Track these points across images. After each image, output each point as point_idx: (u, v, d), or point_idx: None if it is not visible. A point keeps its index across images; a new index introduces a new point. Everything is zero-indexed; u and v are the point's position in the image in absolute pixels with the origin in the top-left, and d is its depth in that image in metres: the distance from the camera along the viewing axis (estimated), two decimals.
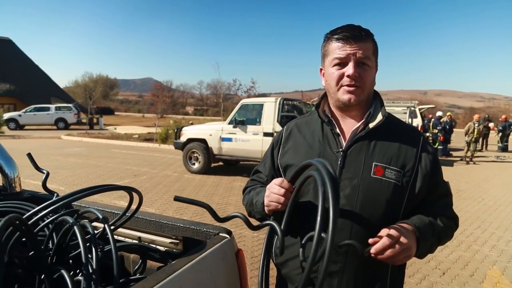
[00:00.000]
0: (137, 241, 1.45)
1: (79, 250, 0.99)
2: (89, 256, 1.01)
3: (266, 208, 1.25)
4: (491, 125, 19.18)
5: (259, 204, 1.30)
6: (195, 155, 9.87)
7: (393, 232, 1.06)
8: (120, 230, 1.45)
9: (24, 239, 1.04)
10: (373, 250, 1.05)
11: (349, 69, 1.19)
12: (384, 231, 1.08)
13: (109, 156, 13.07)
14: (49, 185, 1.45)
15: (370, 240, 1.07)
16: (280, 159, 1.40)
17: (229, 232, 1.33)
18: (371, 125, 1.26)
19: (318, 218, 0.83)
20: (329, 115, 1.33)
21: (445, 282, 3.85)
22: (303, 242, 1.13)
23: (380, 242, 1.04)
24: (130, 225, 1.45)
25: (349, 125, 1.31)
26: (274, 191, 1.19)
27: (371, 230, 1.14)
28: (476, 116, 14.59)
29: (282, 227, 1.15)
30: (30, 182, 6.98)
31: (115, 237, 1.49)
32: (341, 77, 1.22)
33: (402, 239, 1.06)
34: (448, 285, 3.78)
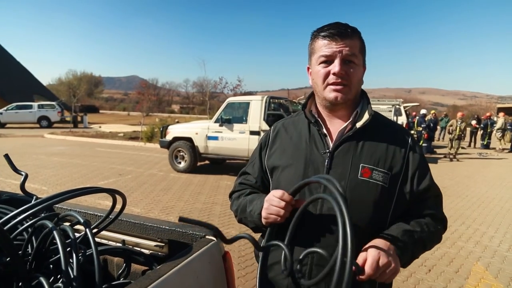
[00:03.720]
0: (121, 244, 1.41)
1: (59, 255, 0.94)
2: (70, 261, 0.97)
3: (264, 220, 1.22)
4: (473, 122, 19.56)
5: (254, 214, 1.27)
6: (181, 153, 9.79)
7: (371, 257, 1.04)
8: (104, 233, 1.41)
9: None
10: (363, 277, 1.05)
11: (335, 66, 1.18)
12: (363, 256, 1.06)
13: (94, 155, 12.86)
14: (32, 184, 1.40)
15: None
16: (267, 160, 1.38)
17: (215, 235, 1.30)
18: (358, 125, 1.24)
19: (340, 246, 0.84)
20: (316, 115, 1.31)
21: (431, 279, 3.89)
22: (301, 257, 1.12)
23: (365, 274, 1.03)
24: (113, 228, 1.41)
25: (336, 125, 1.29)
26: (274, 204, 1.16)
27: (359, 234, 1.11)
28: (459, 114, 14.81)
29: (286, 243, 1.14)
30: (11, 182, 6.82)
31: (98, 240, 1.45)
32: (327, 75, 1.20)
33: (383, 261, 1.04)
34: (434, 282, 3.82)
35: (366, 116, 1.24)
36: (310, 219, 1.20)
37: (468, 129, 17.43)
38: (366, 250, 1.07)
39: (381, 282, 1.19)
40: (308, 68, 1.34)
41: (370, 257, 1.04)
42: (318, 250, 1.06)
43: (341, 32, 1.18)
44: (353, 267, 1.04)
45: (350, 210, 0.89)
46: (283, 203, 1.14)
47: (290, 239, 1.16)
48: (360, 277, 1.04)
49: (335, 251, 0.86)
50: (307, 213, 1.20)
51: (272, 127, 1.46)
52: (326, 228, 1.18)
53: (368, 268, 1.02)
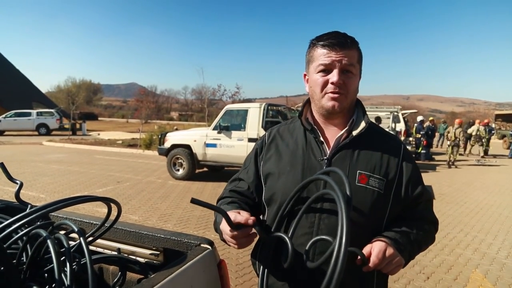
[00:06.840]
0: (116, 253, 1.41)
1: (52, 265, 0.94)
2: (65, 269, 0.97)
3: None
4: (469, 130, 19.56)
5: (218, 227, 1.25)
6: (180, 161, 9.77)
7: (377, 247, 1.10)
8: (99, 241, 1.40)
9: None
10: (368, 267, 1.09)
11: (334, 76, 1.20)
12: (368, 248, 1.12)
13: (92, 163, 12.84)
14: (30, 192, 1.41)
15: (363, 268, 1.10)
16: (263, 166, 1.37)
17: (210, 243, 1.30)
18: (354, 133, 1.26)
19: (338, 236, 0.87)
20: (312, 123, 1.32)
21: (430, 287, 3.87)
22: (307, 248, 1.12)
23: (371, 263, 1.08)
24: (109, 236, 1.41)
25: (332, 133, 1.31)
26: (228, 239, 1.16)
27: (356, 239, 1.12)
28: (457, 121, 14.82)
29: (289, 235, 1.16)
30: (9, 189, 6.80)
31: (94, 248, 1.45)
32: (325, 83, 1.22)
33: (389, 252, 1.10)
34: None
35: (362, 124, 1.27)
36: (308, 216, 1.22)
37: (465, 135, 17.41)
38: (371, 244, 1.13)
39: (379, 280, 1.25)
40: (305, 75, 1.36)
41: (376, 247, 1.10)
42: (324, 237, 1.08)
43: (340, 42, 1.20)
44: (359, 257, 1.08)
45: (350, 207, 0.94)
46: (234, 240, 1.13)
47: (293, 233, 1.18)
48: (366, 267, 1.08)
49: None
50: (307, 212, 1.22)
51: (267, 133, 1.46)
52: (324, 223, 1.20)
53: (374, 257, 1.07)
